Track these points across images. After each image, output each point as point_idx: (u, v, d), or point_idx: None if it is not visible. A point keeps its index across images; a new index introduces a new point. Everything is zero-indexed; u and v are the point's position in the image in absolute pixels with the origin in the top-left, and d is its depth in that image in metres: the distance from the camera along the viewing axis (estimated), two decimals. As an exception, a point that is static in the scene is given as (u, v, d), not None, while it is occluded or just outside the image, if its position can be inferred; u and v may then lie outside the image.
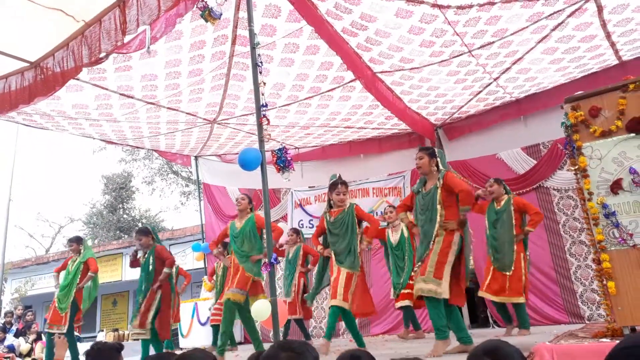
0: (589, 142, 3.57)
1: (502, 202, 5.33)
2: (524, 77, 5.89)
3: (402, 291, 5.88)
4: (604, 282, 3.39)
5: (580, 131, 3.61)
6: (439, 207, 4.05)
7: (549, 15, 4.54)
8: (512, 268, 5.09)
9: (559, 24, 4.73)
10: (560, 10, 4.49)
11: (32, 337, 9.64)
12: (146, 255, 5.52)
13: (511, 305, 5.29)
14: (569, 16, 4.61)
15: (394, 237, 6.10)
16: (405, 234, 5.95)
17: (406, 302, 5.78)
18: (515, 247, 5.13)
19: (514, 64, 5.48)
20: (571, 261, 6.37)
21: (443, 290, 3.84)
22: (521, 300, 5.11)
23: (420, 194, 4.22)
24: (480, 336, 5.33)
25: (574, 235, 6.42)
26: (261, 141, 3.93)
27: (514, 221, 5.19)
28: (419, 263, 4.06)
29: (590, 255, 6.08)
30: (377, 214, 7.88)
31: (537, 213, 5.23)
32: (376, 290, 7.50)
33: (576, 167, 3.61)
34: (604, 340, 3.19)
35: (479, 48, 5.01)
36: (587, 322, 5.89)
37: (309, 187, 8.42)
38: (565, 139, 3.76)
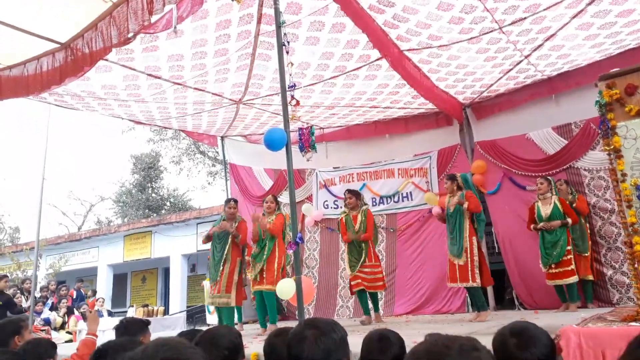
0: (624, 121, 3.45)
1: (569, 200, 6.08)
2: (556, 54, 5.70)
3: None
4: (635, 265, 3.31)
5: (615, 110, 3.49)
6: (230, 238, 5.99)
7: (584, -11, 4.36)
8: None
9: (595, -1, 4.54)
10: (597, -16, 4.31)
11: (63, 310, 10.01)
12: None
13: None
14: (606, -11, 4.42)
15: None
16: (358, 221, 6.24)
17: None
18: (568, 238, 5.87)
19: (546, 40, 5.30)
20: (601, 243, 6.23)
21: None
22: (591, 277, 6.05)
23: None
24: (505, 317, 5.31)
25: (605, 216, 6.26)
26: (286, 122, 3.94)
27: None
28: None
29: (620, 238, 5.95)
30: (402, 195, 7.85)
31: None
32: (401, 271, 7.53)
33: (610, 147, 3.50)
34: (633, 324, 3.13)
35: (510, 24, 4.86)
36: (615, 305, 5.79)
37: (334, 167, 8.41)
38: (599, 118, 3.64)
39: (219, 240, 6.09)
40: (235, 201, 6.47)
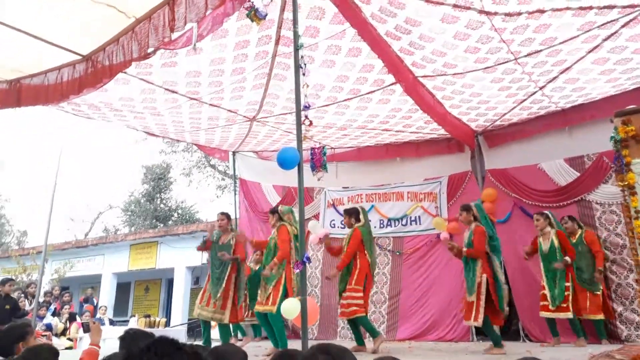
0: (639, 158, 3.44)
1: (577, 236, 6.13)
2: (571, 87, 5.71)
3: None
4: (646, 304, 3.27)
5: (630, 147, 3.49)
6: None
7: (601, 25, 4.38)
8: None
9: (612, 34, 4.56)
10: (614, 20, 4.33)
11: (65, 317, 9.97)
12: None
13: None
14: (622, 26, 4.44)
15: None
16: None
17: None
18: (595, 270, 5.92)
19: (561, 73, 5.32)
20: (611, 278, 6.14)
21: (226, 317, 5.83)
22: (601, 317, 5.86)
23: (216, 244, 6.05)
24: (510, 350, 5.23)
25: (616, 251, 6.19)
26: (300, 142, 3.97)
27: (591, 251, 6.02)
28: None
29: (632, 275, 5.87)
30: (410, 219, 7.82)
31: (599, 252, 5.99)
32: (406, 295, 7.45)
33: (624, 183, 3.49)
34: (643, 364, 3.07)
35: (525, 56, 4.89)
36: (624, 343, 5.68)
37: (343, 187, 8.41)
38: (614, 153, 3.64)
39: (216, 257, 5.98)
40: (224, 214, 6.20)
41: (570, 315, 5.66)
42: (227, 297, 5.84)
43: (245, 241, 6.22)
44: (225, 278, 5.84)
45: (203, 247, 6.16)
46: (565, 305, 5.68)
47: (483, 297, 5.19)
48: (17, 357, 2.86)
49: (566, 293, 5.72)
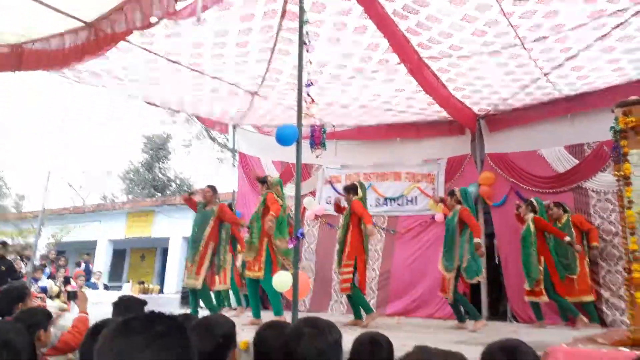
0: (637, 149, 3.45)
1: (563, 221, 6.27)
2: (576, 74, 5.69)
3: None
4: (632, 292, 3.34)
5: (629, 137, 3.49)
6: (211, 222, 5.82)
7: (611, 13, 4.35)
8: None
9: (621, 23, 4.52)
10: (624, 9, 4.29)
11: (60, 280, 10.08)
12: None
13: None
14: (632, 15, 4.40)
15: None
16: None
17: None
18: (577, 255, 6.04)
19: (567, 60, 5.30)
20: (602, 265, 6.24)
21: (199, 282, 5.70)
22: (590, 298, 6.01)
23: (200, 210, 6.05)
24: (496, 329, 5.35)
25: (607, 239, 6.28)
26: (300, 118, 3.97)
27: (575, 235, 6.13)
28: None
29: (621, 262, 5.96)
30: (407, 199, 7.87)
31: (592, 229, 6.22)
32: (397, 272, 7.56)
33: (620, 173, 3.51)
34: (623, 349, 3.15)
35: (532, 41, 4.85)
36: (609, 327, 5.80)
37: (342, 165, 8.43)
38: (613, 143, 3.66)
39: (197, 222, 5.94)
40: (210, 187, 6.14)
41: (545, 299, 5.86)
42: (202, 263, 5.72)
43: (254, 175, 6.83)
44: (202, 242, 5.76)
45: (188, 197, 6.19)
46: (538, 289, 5.88)
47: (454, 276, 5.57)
48: (13, 317, 2.95)
49: (539, 277, 5.89)
